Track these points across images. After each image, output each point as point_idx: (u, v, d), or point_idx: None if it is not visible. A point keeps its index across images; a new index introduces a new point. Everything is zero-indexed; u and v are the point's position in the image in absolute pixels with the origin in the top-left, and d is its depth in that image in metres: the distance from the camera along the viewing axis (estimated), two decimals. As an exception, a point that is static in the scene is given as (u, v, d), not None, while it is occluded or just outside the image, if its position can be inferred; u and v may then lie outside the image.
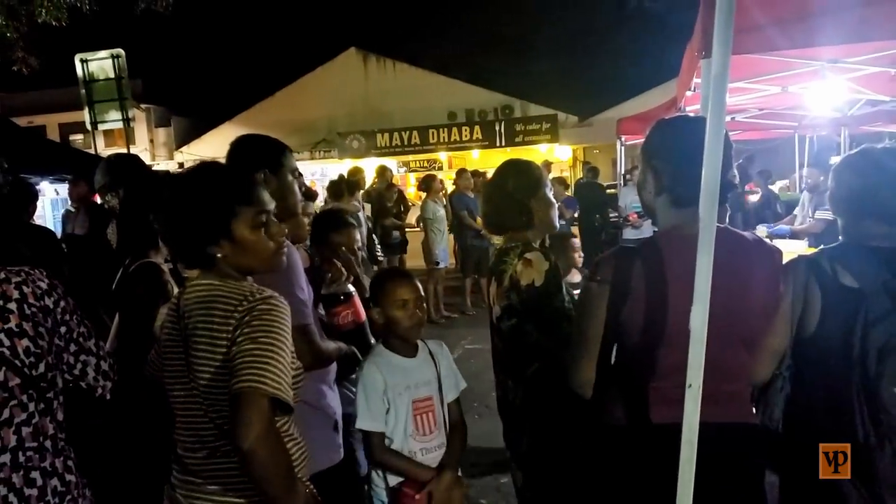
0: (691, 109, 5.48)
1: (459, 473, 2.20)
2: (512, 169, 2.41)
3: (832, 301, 1.74)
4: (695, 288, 1.20)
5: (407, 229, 9.11)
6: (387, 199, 8.47)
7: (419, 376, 2.16)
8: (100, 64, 9.72)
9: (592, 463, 1.82)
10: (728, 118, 7.62)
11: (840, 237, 1.91)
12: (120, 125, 10.07)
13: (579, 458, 2.00)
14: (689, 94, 4.67)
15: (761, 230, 5.80)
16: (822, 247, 2.02)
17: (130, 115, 9.90)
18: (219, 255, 1.59)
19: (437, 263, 8.29)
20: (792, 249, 4.71)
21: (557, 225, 2.43)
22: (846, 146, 7.55)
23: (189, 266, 1.66)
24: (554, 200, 2.42)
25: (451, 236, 8.80)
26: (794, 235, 5.75)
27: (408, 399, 2.10)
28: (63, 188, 9.27)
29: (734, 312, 1.57)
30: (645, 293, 1.61)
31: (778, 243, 5.08)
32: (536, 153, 17.94)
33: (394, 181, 9.81)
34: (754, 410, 1.85)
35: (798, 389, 1.82)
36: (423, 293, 2.19)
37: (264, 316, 1.50)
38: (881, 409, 1.61)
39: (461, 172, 9.09)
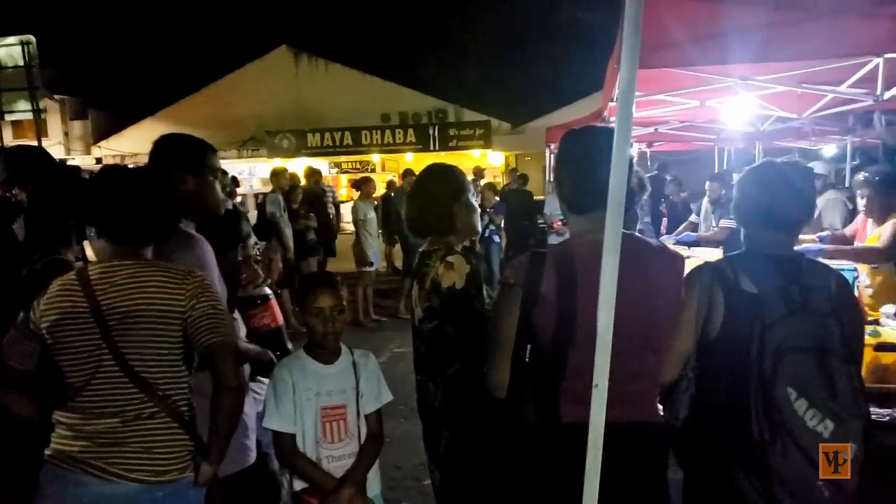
0: (615, 119, 5.66)
1: (376, 488, 2.21)
2: (435, 173, 2.45)
3: (734, 305, 1.83)
4: (600, 291, 1.24)
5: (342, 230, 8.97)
6: (292, 202, 8.11)
7: (333, 384, 2.13)
8: (8, 50, 9.20)
9: (508, 462, 1.85)
10: (651, 129, 7.97)
11: (742, 244, 2.02)
12: (30, 116, 9.60)
13: (495, 458, 2.03)
14: (611, 104, 4.83)
15: (667, 240, 6.04)
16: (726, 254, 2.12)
17: (41, 105, 9.43)
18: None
19: (371, 265, 8.20)
20: (707, 257, 4.92)
21: (480, 230, 2.47)
22: (760, 159, 7.99)
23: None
24: (477, 206, 2.46)
25: (382, 239, 8.73)
26: (697, 243, 6.00)
27: (315, 405, 2.09)
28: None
29: (640, 316, 1.63)
30: (555, 296, 1.65)
31: (696, 251, 5.31)
32: (470, 158, 18.09)
33: (320, 181, 9.72)
34: (661, 410, 1.92)
35: (702, 389, 1.89)
36: (345, 301, 2.16)
37: (210, 288, 1.83)
38: (775, 407, 1.70)
39: (407, 174, 9.45)
